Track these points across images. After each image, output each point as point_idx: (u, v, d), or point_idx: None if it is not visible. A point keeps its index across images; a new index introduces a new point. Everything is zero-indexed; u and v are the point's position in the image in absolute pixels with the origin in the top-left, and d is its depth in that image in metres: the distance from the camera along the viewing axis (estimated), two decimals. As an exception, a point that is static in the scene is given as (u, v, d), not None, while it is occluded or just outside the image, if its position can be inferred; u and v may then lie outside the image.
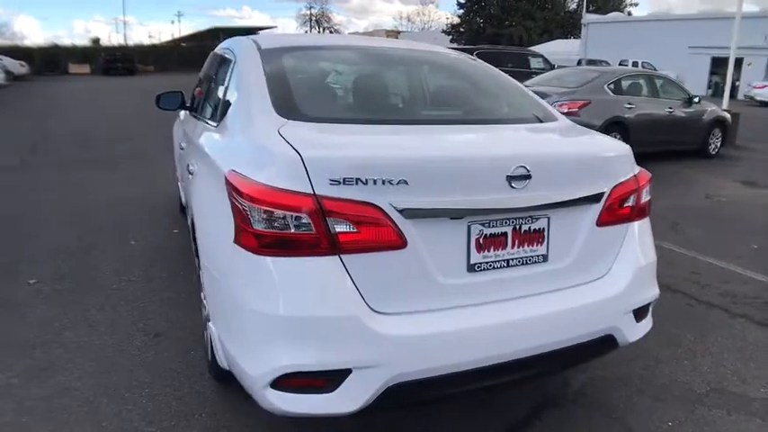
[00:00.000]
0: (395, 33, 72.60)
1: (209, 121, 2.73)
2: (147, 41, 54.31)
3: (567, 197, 1.98)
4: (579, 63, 25.38)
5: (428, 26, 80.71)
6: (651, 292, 2.30)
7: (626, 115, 8.15)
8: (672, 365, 2.88)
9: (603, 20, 39.52)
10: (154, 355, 2.75)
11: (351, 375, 1.69)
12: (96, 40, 50.24)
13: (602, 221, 2.11)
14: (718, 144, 9.67)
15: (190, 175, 2.69)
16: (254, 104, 2.16)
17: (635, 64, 26.75)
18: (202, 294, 2.63)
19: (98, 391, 2.43)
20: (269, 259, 1.69)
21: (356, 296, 1.71)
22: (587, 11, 40.54)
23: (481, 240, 1.87)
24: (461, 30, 52.46)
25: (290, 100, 2.15)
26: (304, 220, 1.66)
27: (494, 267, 1.92)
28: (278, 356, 1.68)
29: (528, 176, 1.87)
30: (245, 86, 2.35)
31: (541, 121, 2.47)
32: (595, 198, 2.07)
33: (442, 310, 1.82)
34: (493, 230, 1.89)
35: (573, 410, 2.48)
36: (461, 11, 52.20)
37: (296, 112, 2.07)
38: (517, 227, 1.93)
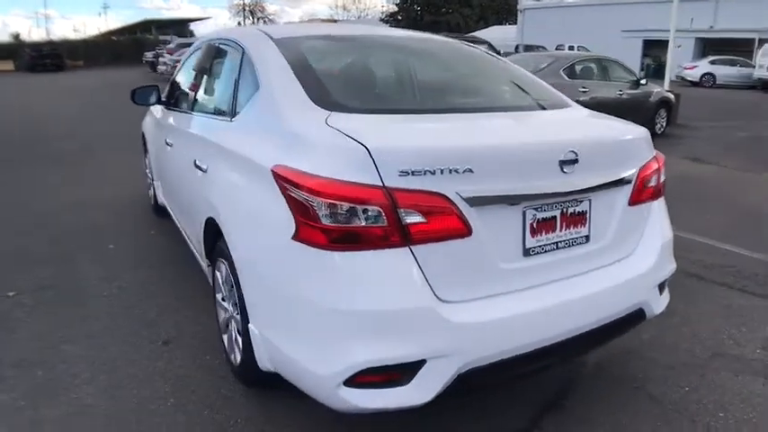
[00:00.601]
0: (331, 22, 71.96)
1: (217, 116, 2.62)
2: (72, 35, 51.42)
3: (608, 179, 2.05)
4: (516, 49, 25.94)
5: (364, 14, 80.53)
6: (671, 267, 2.40)
7: (581, 99, 8.38)
8: (673, 335, 3.01)
9: (539, 5, 40.58)
10: (166, 363, 2.62)
11: (425, 366, 1.69)
12: (17, 36, 47.19)
13: (632, 201, 2.19)
14: (664, 123, 10.16)
15: (200, 172, 2.56)
16: (287, 96, 2.08)
17: (570, 48, 27.59)
18: (219, 297, 2.55)
19: (120, 407, 2.29)
20: (340, 254, 1.65)
21: (426, 287, 1.69)
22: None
23: (534, 225, 1.91)
24: (399, 18, 52.55)
25: (324, 91, 2.09)
26: (375, 213, 1.63)
27: (545, 250, 1.96)
28: (353, 353, 1.65)
29: (576, 161, 1.92)
30: (268, 78, 2.25)
31: (562, 108, 2.51)
32: (628, 179, 2.14)
33: (502, 294, 1.84)
34: (544, 215, 1.93)
35: (597, 385, 2.56)
36: (399, -1, 52.34)
37: (334, 103, 2.01)
38: (564, 210, 1.98)
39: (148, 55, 28.81)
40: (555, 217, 1.96)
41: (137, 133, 5.30)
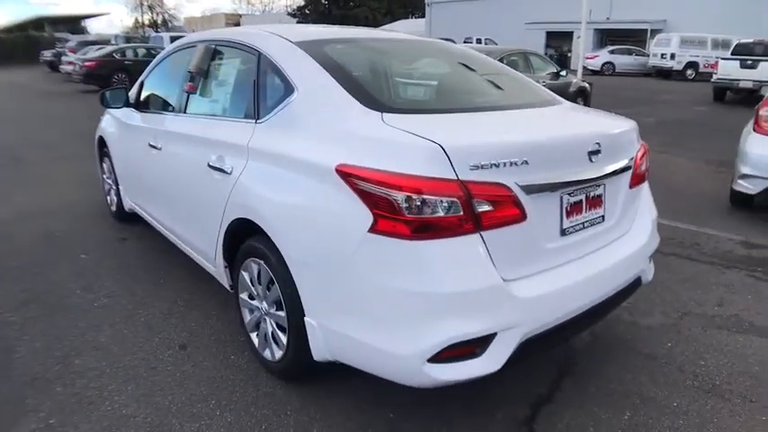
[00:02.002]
0: (235, 17, 69.88)
1: (234, 118, 2.63)
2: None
3: (618, 166, 2.33)
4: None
5: (269, 8, 78.85)
6: (657, 240, 2.74)
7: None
8: (644, 301, 3.37)
9: (446, -1, 41.71)
10: (193, 366, 2.60)
11: (495, 338, 1.88)
12: None
13: (632, 185, 2.49)
14: (582, 110, 10.90)
15: (219, 174, 2.54)
16: (333, 99, 2.17)
17: (478, 41, 28.70)
18: (244, 296, 2.58)
19: (161, 413, 2.27)
20: (423, 243, 1.80)
21: (494, 268, 1.88)
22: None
23: (568, 208, 2.15)
24: (307, 12, 52.00)
25: (365, 93, 2.19)
26: (453, 204, 1.79)
27: (576, 230, 2.21)
28: (439, 331, 1.80)
29: (599, 151, 2.19)
30: (306, 82, 2.30)
31: (560, 103, 2.77)
32: (629, 165, 2.44)
33: (547, 270, 2.07)
34: (575, 199, 2.18)
35: (598, 350, 2.86)
36: (307, -8, 51.68)
37: (379, 104, 2.13)
38: (588, 194, 2.23)
39: (47, 54, 26.84)
40: (581, 201, 2.21)
41: (63, 139, 5.02)
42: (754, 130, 5.13)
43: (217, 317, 3.06)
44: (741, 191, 5.20)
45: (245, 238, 2.53)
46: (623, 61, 26.12)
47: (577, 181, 2.13)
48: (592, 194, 2.26)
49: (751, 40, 14.77)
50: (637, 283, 2.55)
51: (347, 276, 1.95)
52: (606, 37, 29.74)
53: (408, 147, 1.85)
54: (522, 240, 1.98)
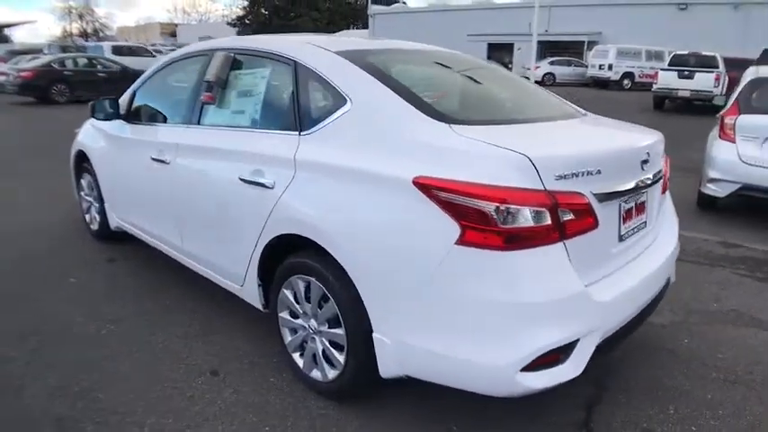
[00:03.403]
0: (171, 27, 68.00)
1: (270, 130, 2.54)
2: None
3: (657, 174, 2.43)
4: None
5: (206, 18, 77.16)
6: (679, 243, 2.84)
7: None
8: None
9: (388, 11, 42.15)
10: (233, 393, 2.46)
11: (579, 343, 1.90)
12: None
13: (663, 191, 2.61)
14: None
15: (257, 189, 2.43)
16: (396, 111, 2.13)
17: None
18: (285, 315, 2.49)
19: (215, 445, 2.13)
20: (515, 253, 1.79)
21: (576, 275, 1.90)
22: (372, 2, 42.75)
23: (624, 214, 2.21)
24: (247, 21, 51.22)
25: (423, 104, 2.16)
26: (542, 214, 1.80)
27: (629, 235, 2.27)
28: (534, 340, 1.81)
29: (648, 160, 2.27)
30: (361, 93, 2.25)
31: (587, 115, 2.86)
32: (662, 173, 2.55)
33: (611, 274, 2.12)
34: (628, 206, 2.24)
35: (630, 353, 2.91)
36: (246, 2, 50.94)
37: (440, 114, 2.11)
38: (636, 201, 2.31)
39: (-31, 65, 25.00)
40: (632, 207, 2.29)
41: (14, 155, 4.68)
42: (720, 137, 5.43)
43: (242, 338, 2.92)
44: (709, 194, 5.49)
45: (285, 255, 2.43)
46: (563, 72, 27.21)
47: (633, 189, 2.20)
48: (639, 201, 2.33)
49: (686, 52, 15.76)
50: (667, 284, 2.64)
51: (430, 290, 1.90)
52: (546, 49, 30.90)
53: (495, 158, 1.85)
54: (594, 247, 2.02)
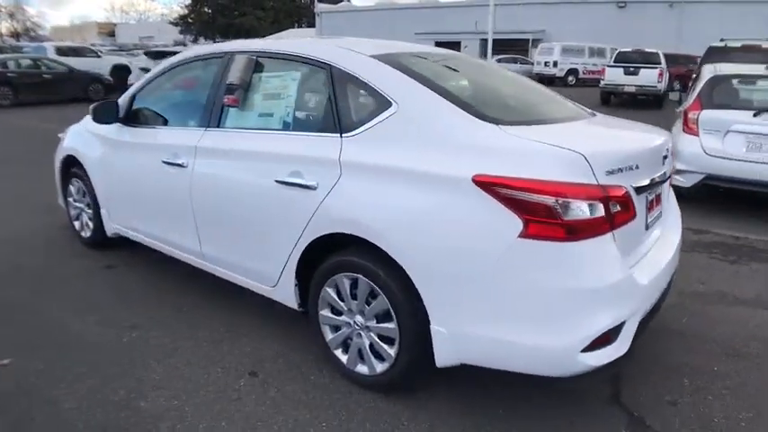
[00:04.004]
0: (109, 26, 65.37)
1: (308, 132, 2.58)
2: None
3: (670, 169, 2.65)
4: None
5: (145, 17, 74.57)
6: None
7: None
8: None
9: (335, 9, 42.01)
10: (278, 392, 2.48)
11: (626, 324, 2.07)
12: None
13: (670, 184, 2.83)
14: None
15: (299, 190, 2.46)
16: (444, 112, 2.23)
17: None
18: (325, 313, 2.54)
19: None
20: (575, 243, 1.93)
21: (623, 261, 2.07)
22: (319, 0, 42.50)
23: (648, 205, 2.39)
24: (190, 20, 49.89)
25: (468, 105, 2.27)
26: (597, 207, 1.95)
27: (651, 224, 2.47)
28: (594, 322, 1.97)
29: (666, 156, 2.49)
30: (406, 96, 2.32)
31: (596, 115, 3.02)
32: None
33: (640, 261, 2.29)
34: (651, 197, 2.44)
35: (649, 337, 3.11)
36: (189, 0, 49.56)
37: (486, 115, 2.22)
38: (656, 194, 2.51)
39: None
40: (654, 199, 2.49)
41: None
42: (684, 131, 5.80)
43: (271, 339, 2.93)
44: (676, 185, 5.84)
45: (324, 254, 2.47)
46: (510, 68, 27.93)
47: (657, 182, 2.39)
48: (657, 193, 2.54)
49: (630, 49, 16.55)
50: (676, 270, 2.83)
51: (492, 281, 2.00)
52: (492, 47, 31.63)
53: (551, 156, 1.99)
54: (631, 236, 2.20)
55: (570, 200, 1.91)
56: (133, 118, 3.57)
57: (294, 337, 2.92)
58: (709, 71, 6.03)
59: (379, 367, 2.39)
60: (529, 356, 2.04)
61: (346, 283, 2.41)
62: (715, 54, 9.89)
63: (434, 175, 2.10)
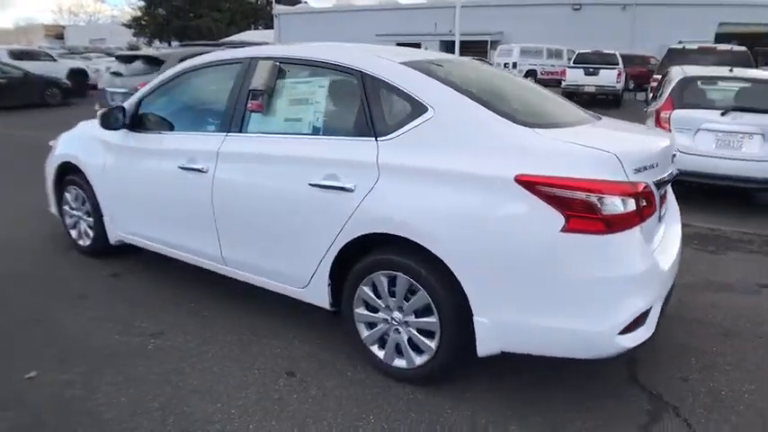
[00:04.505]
0: (57, 28, 63.06)
1: (341, 137, 2.65)
2: None
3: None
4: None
5: (95, 19, 72.26)
6: None
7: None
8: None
9: (294, 11, 41.73)
10: (319, 390, 2.55)
11: (652, 308, 2.27)
12: None
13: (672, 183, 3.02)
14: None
15: (332, 193, 2.54)
16: (480, 116, 2.37)
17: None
18: (361, 311, 2.63)
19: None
20: (612, 235, 2.12)
21: (650, 250, 2.30)
22: (276, 2, 42.15)
23: (660, 199, 2.58)
24: (143, 23, 48.64)
25: (500, 110, 2.42)
26: (629, 202, 2.13)
27: (662, 217, 2.70)
28: (631, 306, 2.17)
29: (675, 155, 2.72)
30: (442, 101, 2.44)
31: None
32: None
33: (657, 248, 2.51)
34: (662, 192, 2.63)
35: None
36: (142, 3, 48.30)
37: (517, 119, 2.37)
38: (665, 189, 2.74)
39: None
40: (664, 193, 2.72)
41: None
42: (656, 130, 6.13)
43: (300, 339, 2.99)
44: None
45: (358, 254, 2.56)
46: (471, 70, 28.39)
47: (668, 179, 2.59)
48: (665, 189, 2.75)
49: (589, 51, 17.14)
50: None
51: (536, 273, 2.16)
52: (451, 48, 32.14)
53: (587, 156, 2.18)
54: (651, 227, 2.41)
55: (607, 196, 2.09)
56: (141, 123, 3.55)
57: (322, 336, 3.00)
58: (678, 73, 6.38)
59: (418, 360, 2.49)
60: (569, 341, 2.21)
61: (384, 281, 2.50)
62: (675, 55, 10.43)
63: (477, 176, 2.23)
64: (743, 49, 10.47)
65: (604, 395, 2.56)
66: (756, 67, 10.22)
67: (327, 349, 2.88)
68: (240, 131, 2.97)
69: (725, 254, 4.65)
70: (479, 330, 2.29)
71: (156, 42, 46.66)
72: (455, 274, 2.27)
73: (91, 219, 4.01)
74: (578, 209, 2.09)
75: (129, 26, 48.87)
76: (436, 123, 2.40)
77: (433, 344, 2.43)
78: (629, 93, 18.70)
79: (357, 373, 2.68)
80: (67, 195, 4.19)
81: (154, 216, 3.51)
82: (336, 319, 2.95)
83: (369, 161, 2.46)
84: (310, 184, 2.61)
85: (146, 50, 13.54)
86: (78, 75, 17.36)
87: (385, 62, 2.66)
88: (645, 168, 2.28)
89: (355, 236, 2.51)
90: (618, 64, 16.18)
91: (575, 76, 16.29)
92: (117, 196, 3.73)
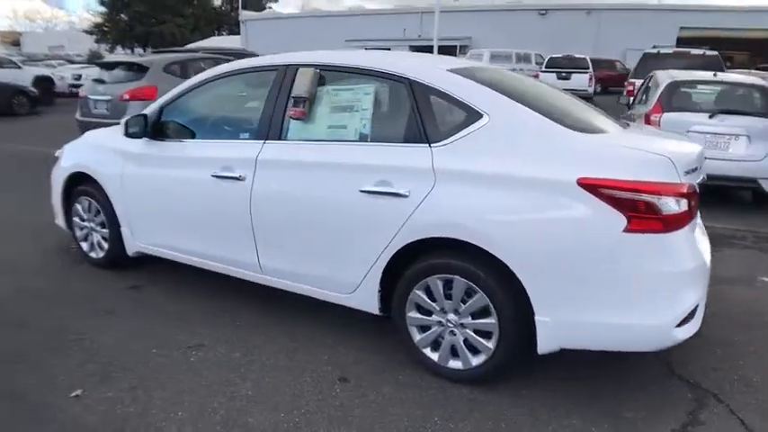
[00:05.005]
0: (14, 35, 60.94)
1: (392, 143, 2.69)
2: None
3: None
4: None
5: (53, 25, 70.19)
6: None
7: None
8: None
9: (261, 17, 41.45)
10: (376, 394, 2.58)
11: (699, 304, 2.40)
12: None
13: None
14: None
15: (386, 199, 2.58)
16: (531, 122, 2.46)
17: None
18: (414, 314, 2.68)
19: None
20: (672, 234, 2.24)
21: (699, 247, 2.44)
22: (243, 8, 41.76)
23: None
24: (105, 29, 47.48)
25: (553, 115, 2.52)
26: (683, 202, 2.25)
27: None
28: (688, 300, 2.30)
29: (704, 160, 2.85)
30: (497, 108, 2.52)
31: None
32: None
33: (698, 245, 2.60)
34: None
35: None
36: (103, 9, 47.12)
37: (569, 124, 2.49)
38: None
39: None
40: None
41: None
42: (645, 131, 6.35)
43: (344, 345, 3.00)
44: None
45: (410, 259, 2.61)
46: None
47: (702, 182, 2.70)
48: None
49: (560, 55, 17.58)
50: None
51: (598, 272, 2.26)
52: (420, 53, 32.44)
53: (644, 160, 2.31)
54: (693, 225, 2.51)
55: (665, 197, 2.21)
56: (163, 132, 3.50)
57: (368, 341, 3.02)
58: (665, 77, 6.62)
59: (475, 360, 2.55)
60: (628, 335, 2.31)
61: (439, 285, 2.54)
62: (650, 60, 10.80)
63: (538, 180, 2.31)
64: (714, 53, 10.95)
65: (649, 386, 2.68)
66: (724, 70, 10.71)
67: (375, 354, 2.91)
68: (279, 138, 2.97)
69: (720, 250, 4.85)
70: (541, 329, 2.36)
71: (119, 49, 45.60)
72: (517, 275, 2.33)
73: (105, 230, 3.93)
74: (641, 210, 2.19)
75: (90, 33, 47.63)
76: (492, 129, 2.47)
77: (490, 344, 2.49)
78: (597, 96, 19.25)
79: (410, 376, 2.71)
80: (78, 206, 4.09)
81: (182, 225, 3.45)
82: (378, 324, 2.98)
83: (423, 167, 2.50)
84: (361, 191, 2.63)
85: (128, 57, 13.26)
86: (44, 82, 16.83)
87: (435, 69, 2.71)
88: (692, 171, 2.42)
89: (410, 241, 2.54)
90: (588, 68, 16.68)
91: (547, 81, 16.65)
92: (138, 206, 3.66)
